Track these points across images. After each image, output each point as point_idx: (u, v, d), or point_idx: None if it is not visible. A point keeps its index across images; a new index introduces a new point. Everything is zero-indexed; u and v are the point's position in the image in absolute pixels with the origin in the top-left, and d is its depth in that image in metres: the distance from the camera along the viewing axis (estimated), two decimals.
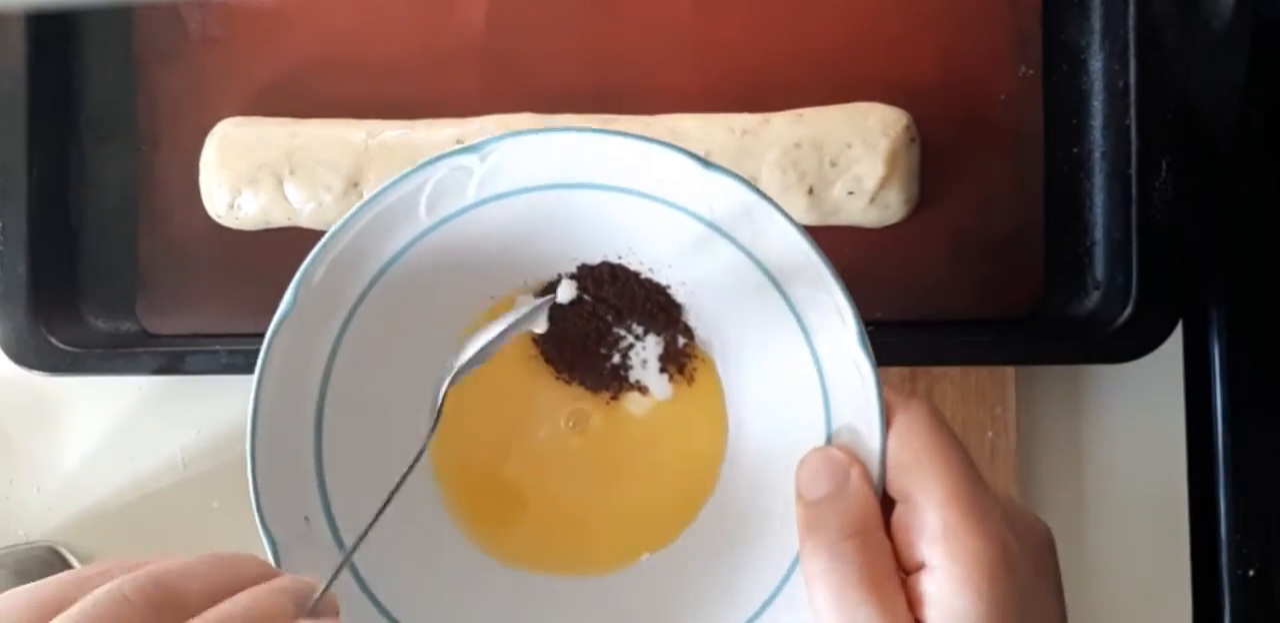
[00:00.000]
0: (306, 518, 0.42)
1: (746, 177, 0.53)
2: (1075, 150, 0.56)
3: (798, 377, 0.42)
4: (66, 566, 0.58)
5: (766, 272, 0.42)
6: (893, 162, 0.53)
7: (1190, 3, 0.54)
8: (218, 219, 0.56)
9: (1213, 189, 0.55)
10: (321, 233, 0.57)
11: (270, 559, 0.40)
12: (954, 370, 0.57)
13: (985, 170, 0.56)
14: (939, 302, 0.56)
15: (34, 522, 0.60)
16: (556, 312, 0.45)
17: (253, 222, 0.56)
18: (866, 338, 0.39)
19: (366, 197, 0.41)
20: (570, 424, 0.47)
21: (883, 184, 0.54)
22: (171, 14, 0.58)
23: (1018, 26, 0.56)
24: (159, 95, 0.58)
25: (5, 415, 0.60)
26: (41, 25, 0.57)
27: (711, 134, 0.54)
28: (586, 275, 0.45)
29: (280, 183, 0.55)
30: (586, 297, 0.45)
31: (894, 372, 0.57)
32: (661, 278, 0.45)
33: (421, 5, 0.57)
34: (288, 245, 0.57)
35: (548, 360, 0.46)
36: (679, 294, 0.45)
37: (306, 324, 0.41)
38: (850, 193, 0.54)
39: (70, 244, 0.58)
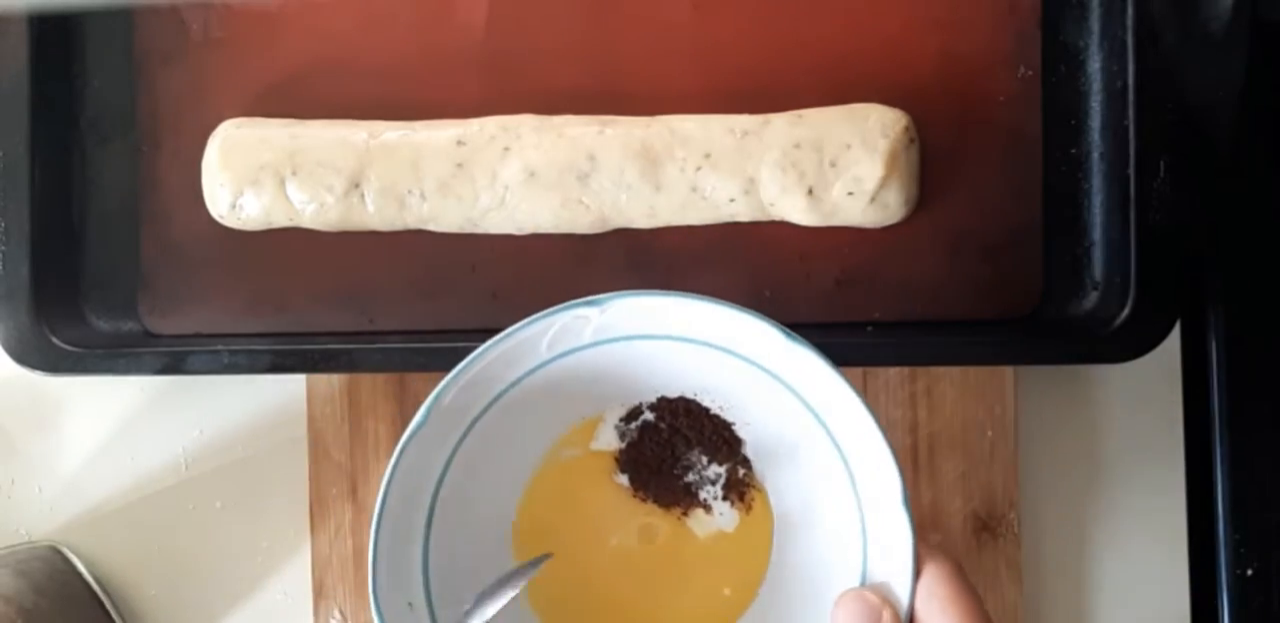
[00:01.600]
0: (410, 604, 0.47)
1: (746, 177, 0.54)
2: (1074, 151, 0.57)
3: (841, 521, 0.47)
4: (68, 565, 0.58)
5: (826, 428, 0.47)
6: (892, 162, 0.54)
7: (1188, 4, 0.55)
8: (220, 220, 0.57)
9: (1211, 189, 0.55)
10: (322, 233, 0.58)
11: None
12: (953, 370, 0.57)
13: (984, 171, 0.56)
14: (938, 302, 0.56)
15: (36, 522, 0.60)
16: (636, 435, 0.51)
17: (255, 222, 0.56)
18: (909, 498, 0.44)
19: (502, 332, 0.47)
20: (639, 538, 0.52)
21: (882, 185, 0.54)
22: (173, 15, 0.58)
23: (1017, 28, 0.56)
24: (161, 96, 0.58)
25: (7, 415, 0.60)
26: (43, 27, 0.57)
27: (711, 135, 0.54)
28: (665, 406, 0.51)
29: (282, 183, 0.55)
30: (663, 424, 0.51)
31: (894, 372, 0.57)
32: (729, 416, 0.50)
33: (422, 7, 0.58)
34: (290, 246, 0.58)
35: (630, 480, 0.51)
36: (741, 431, 0.50)
37: (432, 436, 0.47)
38: (850, 193, 0.54)
39: (73, 245, 0.58)
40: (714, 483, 0.51)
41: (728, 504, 0.51)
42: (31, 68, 0.56)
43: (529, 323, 0.46)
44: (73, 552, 0.59)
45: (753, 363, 0.48)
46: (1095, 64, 0.56)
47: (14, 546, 0.59)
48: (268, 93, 0.58)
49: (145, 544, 0.59)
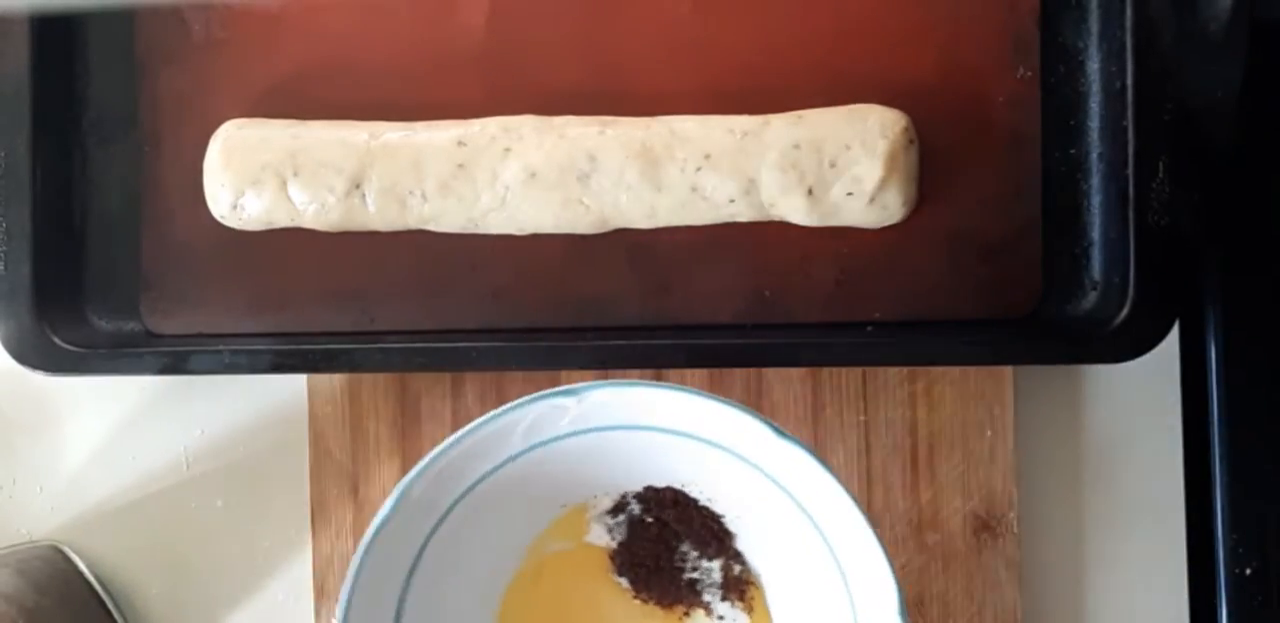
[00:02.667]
0: None
1: (746, 178, 0.54)
2: (1073, 151, 0.57)
3: None
4: (70, 565, 0.58)
5: (819, 529, 0.45)
6: (891, 163, 0.54)
7: (1187, 5, 0.55)
8: (221, 220, 0.57)
9: (1210, 190, 0.55)
10: (323, 233, 0.58)
11: None
12: (952, 371, 0.57)
13: (983, 171, 0.56)
14: (937, 302, 0.56)
15: (37, 521, 0.60)
16: (626, 532, 0.49)
17: (256, 222, 0.56)
18: (905, 609, 0.43)
19: (474, 423, 0.44)
20: None
21: (881, 185, 0.54)
22: (175, 16, 0.58)
23: (1016, 29, 0.56)
24: (162, 97, 0.58)
25: (8, 415, 0.60)
26: (45, 27, 0.57)
27: (711, 135, 0.55)
28: (652, 497, 0.49)
29: (284, 184, 0.55)
30: (650, 518, 0.49)
31: (893, 372, 0.57)
32: (718, 508, 0.48)
33: (423, 8, 0.58)
34: (291, 246, 0.58)
35: (630, 582, 0.49)
36: (732, 524, 0.49)
37: (401, 528, 0.45)
38: (849, 194, 0.54)
39: (74, 245, 0.59)
40: (712, 583, 0.49)
41: (728, 604, 0.49)
42: (33, 68, 0.56)
43: (502, 413, 0.44)
44: (74, 551, 0.59)
45: (740, 458, 0.46)
46: (1094, 64, 0.56)
47: (15, 545, 0.59)
48: (269, 93, 0.58)
49: (147, 544, 0.59)
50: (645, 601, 0.50)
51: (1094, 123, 0.56)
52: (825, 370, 0.57)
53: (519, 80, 0.57)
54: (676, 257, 0.57)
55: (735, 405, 0.44)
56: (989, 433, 0.57)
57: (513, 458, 0.46)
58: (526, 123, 0.56)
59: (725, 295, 0.57)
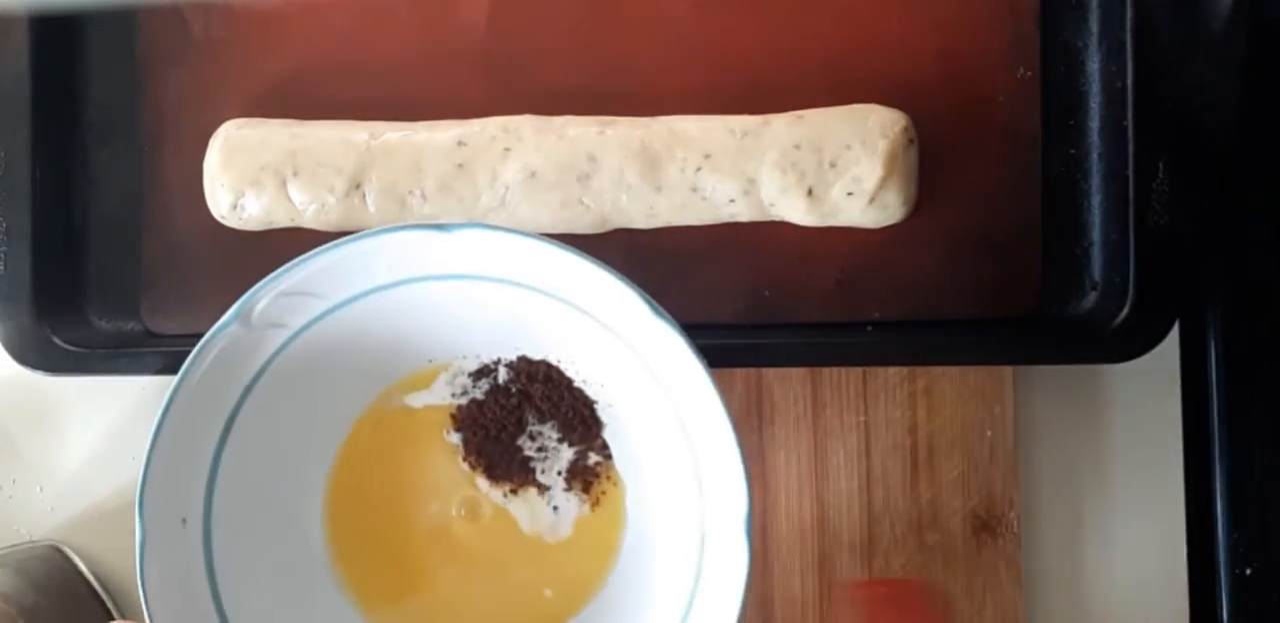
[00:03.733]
0: (184, 520, 0.43)
1: (746, 178, 0.54)
2: (1073, 151, 0.57)
3: (682, 541, 0.42)
4: (69, 564, 0.58)
5: (684, 426, 0.42)
6: (891, 163, 0.54)
7: (1187, 4, 0.55)
8: (221, 220, 0.57)
9: (1210, 190, 0.55)
10: (323, 233, 0.58)
11: (137, 550, 0.42)
12: (952, 370, 0.57)
13: (983, 171, 0.56)
14: (937, 302, 0.56)
15: (37, 521, 0.60)
16: (482, 394, 0.45)
17: (256, 222, 0.56)
18: (752, 524, 0.39)
19: (331, 243, 0.41)
20: (461, 511, 0.46)
21: (881, 185, 0.54)
22: (175, 16, 0.58)
23: (1016, 28, 0.56)
24: (162, 97, 0.58)
25: (8, 415, 0.61)
26: (45, 27, 0.57)
27: (711, 135, 0.55)
28: (524, 368, 0.46)
29: (283, 184, 0.55)
30: (515, 388, 0.45)
31: (893, 372, 0.57)
32: (592, 393, 0.45)
33: (423, 7, 0.58)
34: (291, 246, 0.57)
35: (462, 441, 0.46)
36: (603, 412, 0.46)
37: (239, 345, 0.42)
38: (849, 194, 0.54)
39: (74, 245, 0.59)
40: (559, 468, 0.46)
41: (569, 493, 0.46)
42: (33, 68, 0.57)
43: (364, 236, 0.42)
44: (73, 551, 0.59)
45: (618, 336, 0.43)
46: (1094, 64, 0.56)
47: (15, 545, 0.59)
48: (269, 93, 0.58)
49: None
50: (473, 466, 0.47)
51: (1094, 123, 0.56)
52: (825, 370, 0.57)
53: (519, 80, 0.57)
54: (676, 257, 0.57)
55: (613, 273, 0.41)
56: (989, 433, 0.57)
57: (374, 290, 0.43)
58: (526, 123, 0.56)
59: (725, 295, 0.57)
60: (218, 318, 0.58)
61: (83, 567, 0.58)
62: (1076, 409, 0.58)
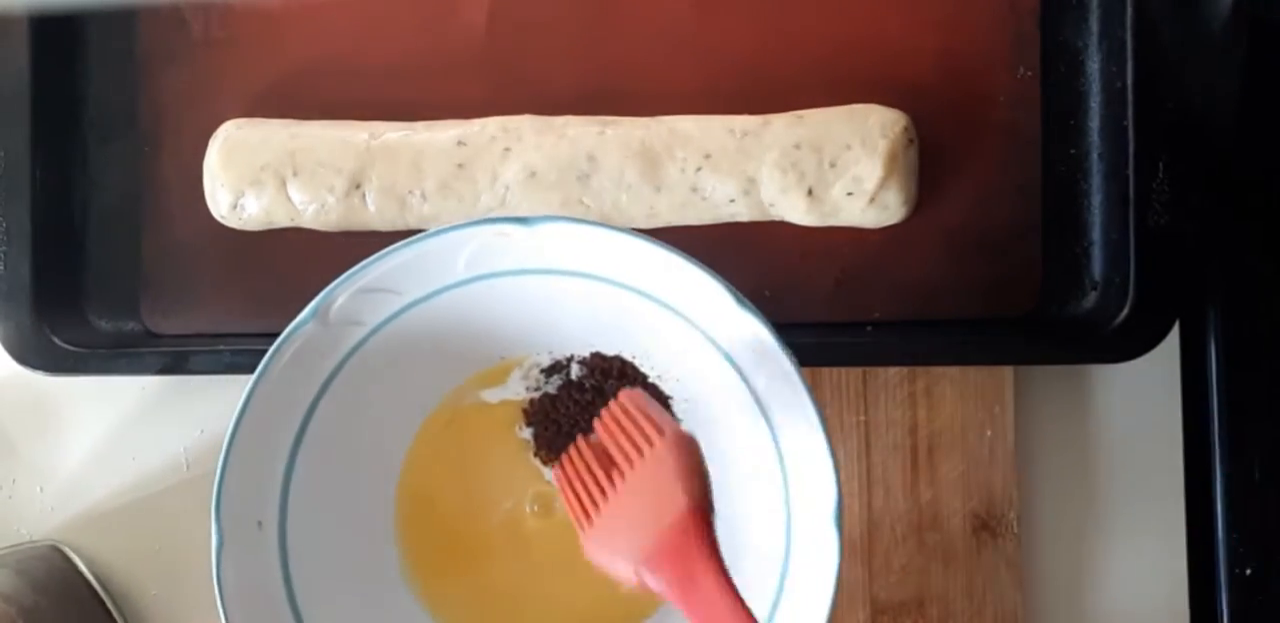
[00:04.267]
0: (260, 522, 0.43)
1: (746, 178, 0.54)
2: (1073, 151, 0.57)
3: (768, 534, 0.41)
4: (69, 565, 0.58)
5: (769, 423, 0.41)
6: (891, 163, 0.54)
7: (1188, 4, 0.55)
8: (221, 220, 0.57)
9: (1210, 189, 0.55)
10: (322, 233, 0.58)
11: (214, 555, 0.41)
12: (953, 370, 0.57)
13: (984, 171, 0.56)
14: (938, 302, 0.56)
15: (37, 521, 0.60)
16: (556, 389, 0.45)
17: (256, 222, 0.56)
18: (842, 512, 0.39)
19: (408, 239, 0.40)
20: (534, 507, 0.46)
21: (881, 185, 0.54)
22: (175, 15, 0.58)
23: (1016, 28, 0.56)
24: (162, 96, 0.58)
25: (8, 415, 0.60)
26: (45, 27, 0.57)
27: (711, 135, 0.55)
28: (598, 364, 0.45)
29: (283, 184, 0.55)
30: (589, 383, 0.45)
31: (894, 372, 0.57)
32: (667, 388, 0.45)
33: (423, 7, 0.58)
34: (290, 246, 0.58)
35: (534, 436, 0.45)
36: (678, 408, 0.45)
37: (315, 343, 0.42)
38: (849, 194, 0.54)
39: (74, 245, 0.59)
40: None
41: None
42: (33, 67, 0.57)
43: (442, 231, 0.41)
44: (73, 551, 0.59)
45: (698, 329, 0.42)
46: (1094, 64, 0.56)
47: (15, 545, 0.59)
48: (269, 93, 0.58)
49: (146, 544, 0.59)
50: (544, 461, 0.46)
51: (1094, 122, 0.56)
52: (825, 370, 0.57)
53: (519, 80, 0.57)
54: None
55: (698, 264, 0.40)
56: (989, 433, 0.57)
57: (450, 287, 0.42)
58: (526, 122, 0.55)
59: None
60: (218, 317, 0.58)
61: (82, 567, 0.58)
62: (1077, 409, 0.58)
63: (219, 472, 0.42)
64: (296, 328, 0.41)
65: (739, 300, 0.40)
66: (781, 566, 0.41)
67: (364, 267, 0.41)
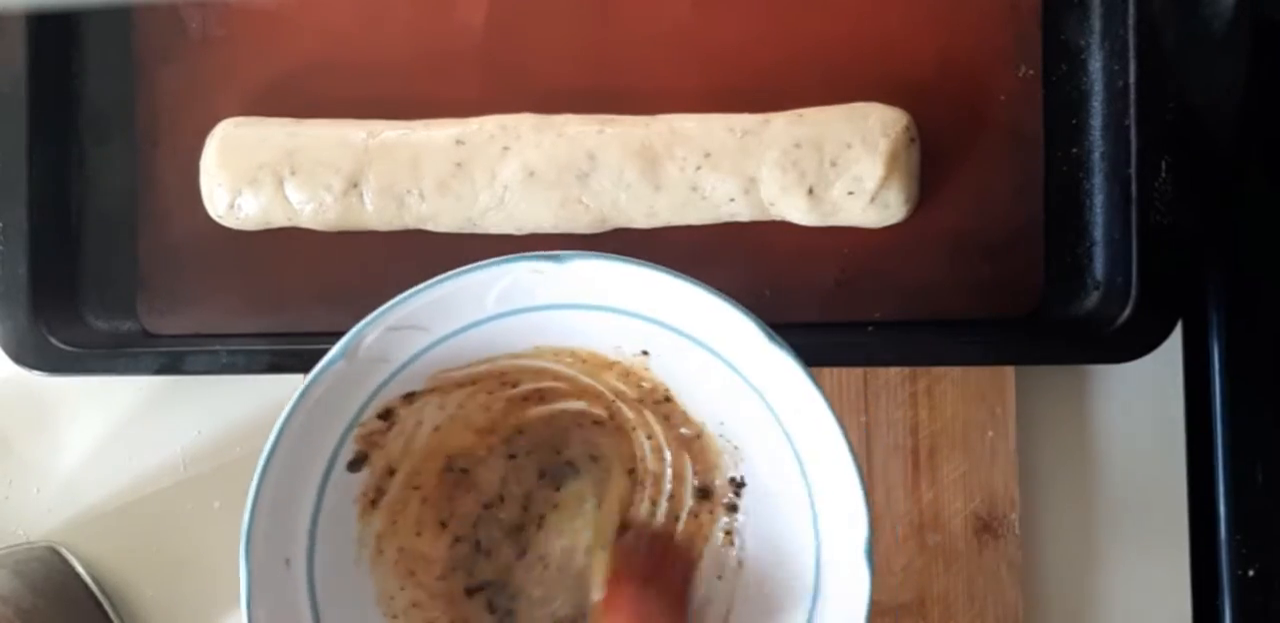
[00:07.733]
0: (288, 561, 0.42)
1: (746, 177, 0.54)
2: (1075, 150, 0.57)
3: (797, 564, 0.42)
4: (66, 566, 0.58)
5: (798, 456, 0.42)
6: (892, 162, 0.53)
7: (1190, 3, 0.55)
8: (218, 219, 0.56)
9: (1212, 189, 0.55)
10: (320, 233, 0.58)
11: (243, 595, 0.41)
12: (954, 370, 0.57)
13: (985, 170, 0.56)
14: (939, 302, 0.56)
15: (34, 522, 0.60)
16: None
17: (253, 222, 0.56)
18: (872, 548, 0.39)
19: (441, 276, 0.41)
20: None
21: (882, 184, 0.54)
22: (172, 14, 0.58)
23: (1018, 27, 0.56)
24: (159, 95, 0.58)
25: (5, 416, 0.60)
26: (42, 26, 0.57)
27: (711, 134, 0.54)
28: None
29: (280, 183, 0.55)
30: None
31: (894, 372, 0.57)
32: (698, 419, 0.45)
33: (421, 6, 0.57)
34: (288, 245, 0.57)
35: None
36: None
37: (345, 382, 0.42)
38: (850, 193, 0.54)
39: (70, 244, 0.58)
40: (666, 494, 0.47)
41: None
42: (30, 67, 0.56)
43: (475, 269, 0.41)
44: (71, 552, 0.59)
45: (728, 363, 0.43)
46: (1096, 63, 0.56)
47: (12, 546, 0.59)
48: (266, 92, 0.58)
49: (143, 545, 0.59)
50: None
51: (1096, 121, 0.56)
52: (825, 370, 0.57)
53: (518, 78, 0.57)
54: (676, 256, 0.57)
55: (728, 300, 0.40)
56: (990, 434, 0.57)
57: (478, 323, 0.42)
58: (525, 121, 0.55)
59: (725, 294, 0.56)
60: (215, 318, 0.58)
61: (80, 568, 0.58)
62: (1078, 409, 0.58)
63: (248, 511, 0.41)
64: (326, 367, 0.41)
65: (769, 336, 0.40)
66: (809, 605, 0.42)
67: (395, 304, 0.41)
